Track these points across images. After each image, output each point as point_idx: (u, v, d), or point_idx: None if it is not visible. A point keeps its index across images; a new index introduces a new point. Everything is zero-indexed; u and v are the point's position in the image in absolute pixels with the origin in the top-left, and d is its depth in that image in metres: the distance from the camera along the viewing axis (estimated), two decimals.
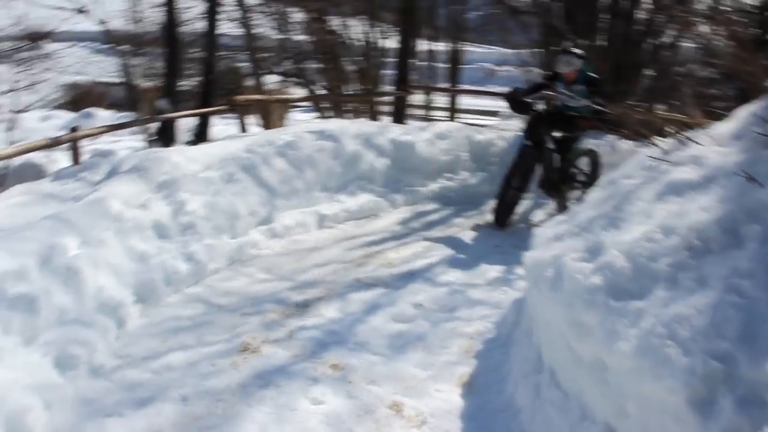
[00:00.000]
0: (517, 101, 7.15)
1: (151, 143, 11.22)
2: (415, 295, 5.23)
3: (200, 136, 11.21)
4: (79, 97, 22.55)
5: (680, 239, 2.95)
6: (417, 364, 4.18)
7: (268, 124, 10.52)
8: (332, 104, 13.57)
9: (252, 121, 12.91)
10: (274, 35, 14.86)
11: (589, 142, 8.02)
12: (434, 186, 8.23)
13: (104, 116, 18.55)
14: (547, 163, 7.25)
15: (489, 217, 7.43)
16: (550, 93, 7.18)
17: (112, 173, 5.45)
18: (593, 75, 7.09)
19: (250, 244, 5.91)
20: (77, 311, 3.96)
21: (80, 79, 24.13)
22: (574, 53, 7.10)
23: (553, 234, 4.33)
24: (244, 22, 13.96)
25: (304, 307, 4.92)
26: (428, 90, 13.89)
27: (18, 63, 17.30)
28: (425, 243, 6.63)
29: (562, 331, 3.30)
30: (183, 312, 4.72)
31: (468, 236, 6.95)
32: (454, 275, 5.74)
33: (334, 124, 7.92)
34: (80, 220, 4.51)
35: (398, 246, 6.49)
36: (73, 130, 6.68)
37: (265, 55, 14.81)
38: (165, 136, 10.82)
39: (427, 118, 13.53)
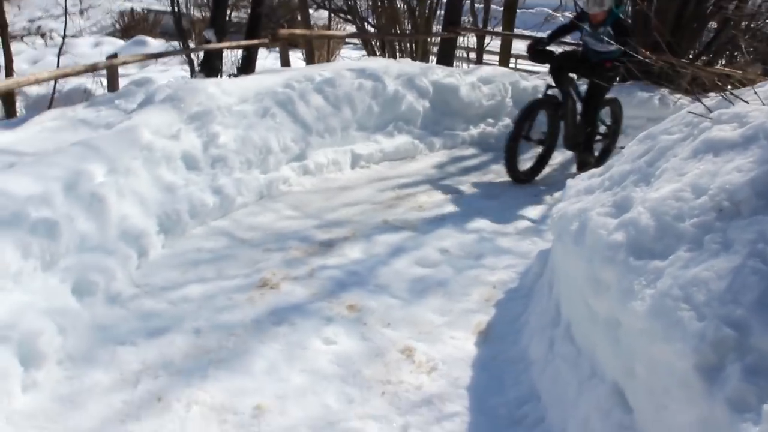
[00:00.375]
0: (537, 51, 6.72)
1: (196, 74, 11.18)
2: (442, 240, 5.17)
3: (245, 68, 11.12)
4: (131, 25, 22.65)
5: (709, 200, 2.81)
6: (435, 309, 4.13)
7: (312, 60, 10.38)
8: (379, 43, 13.32)
9: (300, 56, 12.80)
10: None
11: (636, 95, 7.76)
12: (474, 131, 8.09)
13: (155, 45, 18.59)
14: (569, 115, 6.86)
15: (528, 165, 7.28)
16: (573, 36, 6.95)
17: (146, 102, 5.44)
18: (622, 18, 6.65)
19: (281, 180, 5.88)
20: (99, 239, 3.98)
21: (133, 7, 24.20)
22: None
23: (584, 186, 4.20)
24: None
25: (328, 246, 4.89)
26: (478, 32, 13.52)
27: None
28: (459, 188, 6.53)
29: (581, 286, 3.21)
30: (206, 244, 4.73)
31: (504, 183, 6.82)
32: (484, 223, 5.64)
33: (375, 63, 7.78)
34: (109, 147, 4.51)
35: (431, 190, 6.41)
36: (112, 56, 6.66)
37: None
38: (209, 67, 10.77)
39: (477, 62, 13.24)
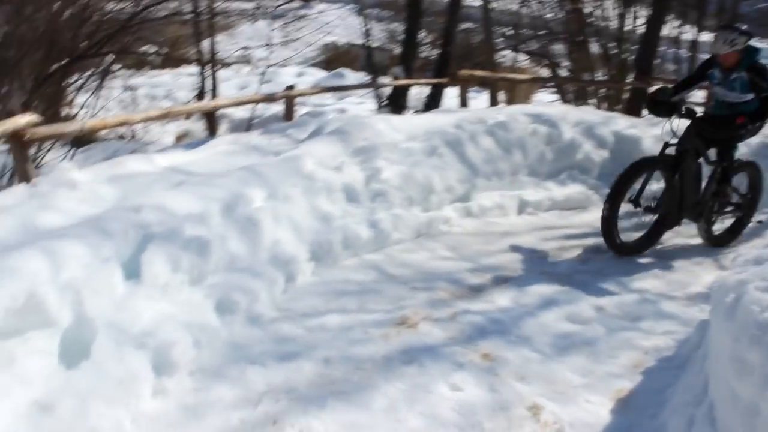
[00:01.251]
0: (658, 102, 5.79)
1: (382, 108, 11.50)
2: (599, 297, 4.92)
3: (430, 106, 11.30)
4: (334, 58, 23.74)
5: None
6: (575, 369, 3.91)
7: (494, 101, 10.37)
8: (573, 89, 13.06)
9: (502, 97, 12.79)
10: (525, 11, 14.56)
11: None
12: (656, 186, 7.67)
13: (353, 77, 19.37)
14: (688, 179, 5.86)
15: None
16: (703, 87, 6.34)
17: (315, 133, 5.66)
18: (760, 62, 5.62)
19: (442, 219, 5.87)
20: (249, 260, 4.16)
21: (337, 40, 25.35)
22: (736, 29, 5.68)
23: (755, 256, 3.85)
24: None
25: (477, 290, 4.80)
26: (670, 82, 12.89)
27: (284, 20, 18.14)
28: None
29: (725, 364, 2.92)
30: (355, 276, 4.80)
31: (682, 244, 6.40)
32: (651, 282, 5.32)
33: (554, 109, 7.65)
34: (272, 173, 4.72)
35: (599, 244, 6.13)
36: (289, 88, 6.99)
37: (512, 31, 14.56)
38: (396, 103, 11.04)
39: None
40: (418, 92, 12.73)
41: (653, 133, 7.76)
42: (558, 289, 5.00)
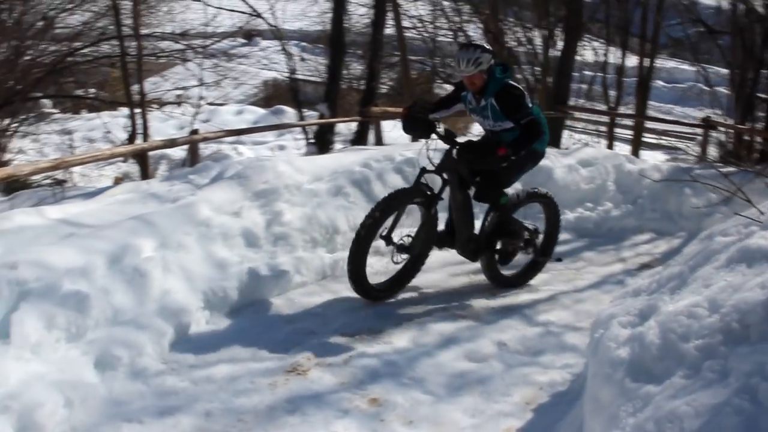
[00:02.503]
0: (414, 119, 5.16)
1: (309, 145, 11.52)
2: (501, 332, 4.93)
3: (357, 141, 11.36)
4: (273, 94, 23.75)
5: (720, 319, 2.54)
6: (466, 409, 3.90)
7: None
8: None
9: None
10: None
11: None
12: (570, 215, 7.77)
13: (292, 114, 19.39)
14: (457, 213, 5.36)
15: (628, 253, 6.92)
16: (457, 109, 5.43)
17: (217, 178, 5.61)
18: (510, 83, 5.04)
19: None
20: (134, 312, 4.08)
21: (277, 76, 25.39)
22: (478, 46, 5.02)
23: (635, 287, 3.93)
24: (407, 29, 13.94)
25: (377, 332, 4.77)
26: (585, 111, 13.11)
27: (224, 57, 18.00)
28: (542, 276, 6.25)
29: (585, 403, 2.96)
30: (250, 323, 4.72)
31: (593, 272, 6.48)
32: (557, 315, 5.36)
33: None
34: (164, 222, 4.66)
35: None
36: (193, 132, 6.97)
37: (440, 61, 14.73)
38: (323, 139, 11.07)
39: (608, 143, 12.74)
40: (348, 128, 12.80)
41: (565, 163, 7.89)
42: (461, 325, 5.01)
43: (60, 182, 13.84)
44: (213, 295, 4.68)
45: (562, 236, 7.45)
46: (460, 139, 5.19)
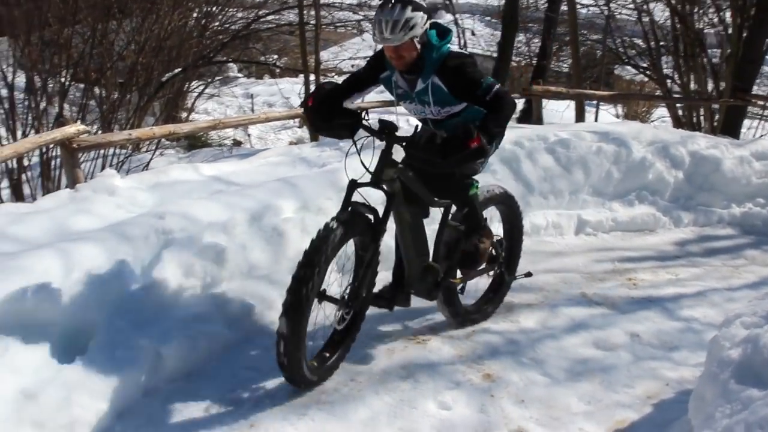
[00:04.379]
0: (323, 109, 3.58)
1: None
2: (636, 323, 4.78)
3: (523, 120, 11.22)
4: None
5: None
6: (582, 395, 3.84)
7: (580, 116, 10.16)
8: (668, 106, 12.60)
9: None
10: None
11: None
12: (737, 210, 7.33)
13: None
14: (406, 239, 3.92)
15: None
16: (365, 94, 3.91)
17: (367, 146, 5.75)
18: (454, 52, 3.60)
19: None
20: (269, 269, 4.32)
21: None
22: (408, 1, 3.35)
23: None
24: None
25: (506, 310, 4.77)
26: None
27: None
28: (694, 270, 5.98)
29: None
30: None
31: (752, 268, 6.12)
32: (703, 311, 5.10)
33: (625, 127, 7.43)
34: (308, 186, 4.87)
35: (657, 267, 5.95)
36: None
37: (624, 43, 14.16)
38: None
39: None
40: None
41: (737, 154, 7.43)
42: (594, 312, 4.90)
43: (237, 143, 14.73)
44: (347, 260, 4.83)
45: (724, 232, 7.09)
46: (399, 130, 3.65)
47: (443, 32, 3.61)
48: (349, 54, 17.68)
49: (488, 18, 22.32)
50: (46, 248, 3.52)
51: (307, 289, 3.25)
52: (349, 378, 3.75)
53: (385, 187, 3.60)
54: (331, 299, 3.60)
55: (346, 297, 3.64)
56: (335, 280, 3.79)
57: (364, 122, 3.60)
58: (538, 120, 9.22)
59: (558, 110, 13.63)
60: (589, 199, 6.65)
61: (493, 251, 4.46)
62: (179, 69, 11.88)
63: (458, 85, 3.51)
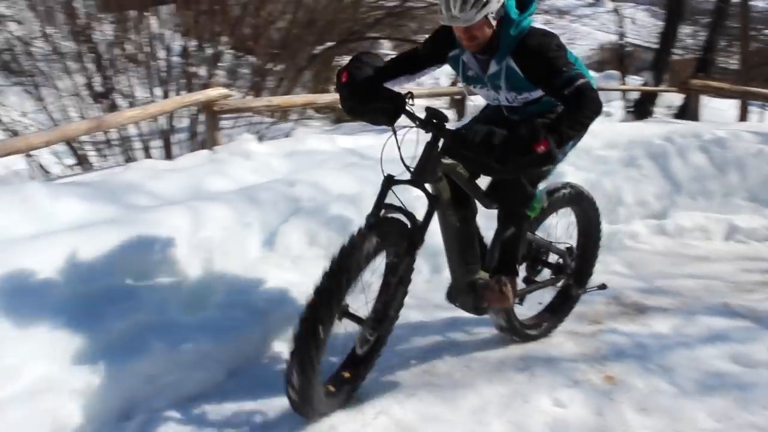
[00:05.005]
0: (360, 89, 3.03)
1: (628, 114, 11.03)
2: None
3: (680, 115, 10.60)
4: (609, 58, 22.91)
5: None
6: (712, 412, 3.55)
7: (743, 116, 9.48)
8: None
9: None
10: None
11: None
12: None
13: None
14: (452, 245, 3.42)
15: None
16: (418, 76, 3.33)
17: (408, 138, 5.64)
18: (536, 29, 2.96)
19: (628, 234, 5.58)
20: None
21: (616, 41, 24.47)
22: None
23: None
24: None
25: (637, 311, 4.53)
26: None
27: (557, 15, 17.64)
28: None
29: None
30: None
31: None
32: None
33: None
34: None
35: None
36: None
37: None
38: (641, 109, 10.53)
39: None
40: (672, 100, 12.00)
41: None
42: (736, 324, 4.54)
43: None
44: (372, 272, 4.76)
45: None
46: (451, 123, 3.07)
47: (524, 2, 2.97)
48: None
49: (652, 7, 21.32)
50: (178, 205, 3.64)
51: (331, 304, 2.73)
52: (464, 364, 3.66)
53: (427, 187, 3.06)
54: (355, 318, 3.02)
55: (373, 316, 3.09)
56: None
57: (408, 107, 3.00)
58: (694, 117, 8.69)
59: (720, 108, 12.84)
60: (743, 204, 6.20)
61: (559, 263, 3.99)
62: (331, 43, 12.05)
63: (535, 69, 2.92)
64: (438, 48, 3.18)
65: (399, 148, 3.00)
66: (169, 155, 7.63)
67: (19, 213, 3.45)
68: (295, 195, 3.98)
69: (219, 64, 8.79)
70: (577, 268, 4.11)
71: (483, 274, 3.51)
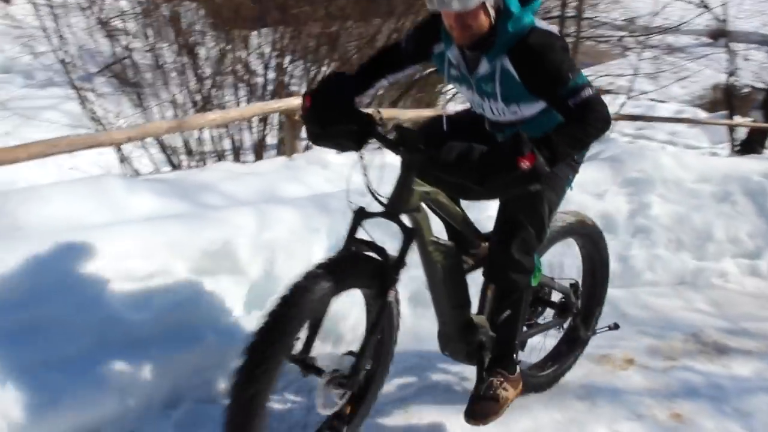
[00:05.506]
0: (324, 109, 2.58)
1: (734, 153, 10.59)
2: None
3: None
4: (721, 99, 22.03)
5: None
6: None
7: None
8: None
9: None
10: None
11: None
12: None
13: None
14: (438, 288, 2.81)
15: None
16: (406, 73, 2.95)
17: (593, 157, 5.50)
18: (539, 29, 2.51)
19: (716, 272, 5.29)
20: None
21: (731, 81, 23.54)
22: None
23: None
24: None
25: (716, 351, 4.27)
26: None
27: (666, 52, 17.14)
28: None
29: None
30: None
31: None
32: None
33: None
34: None
35: None
36: None
37: None
38: (748, 148, 10.09)
39: None
40: None
41: None
42: None
43: None
44: (550, 268, 4.62)
45: None
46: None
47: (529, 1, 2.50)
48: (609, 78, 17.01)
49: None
50: (248, 206, 3.69)
51: (269, 361, 2.23)
52: None
53: (403, 219, 2.60)
54: (318, 371, 2.48)
55: (343, 372, 2.52)
56: None
57: (379, 129, 2.51)
58: None
59: None
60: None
61: (563, 302, 3.49)
62: (432, 68, 11.99)
63: (535, 73, 2.45)
64: (421, 42, 2.75)
65: (366, 175, 2.55)
66: (259, 157, 7.76)
67: (96, 203, 3.59)
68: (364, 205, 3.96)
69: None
70: (583, 307, 3.60)
71: (480, 320, 3.01)
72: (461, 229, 2.92)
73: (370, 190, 2.57)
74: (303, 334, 2.41)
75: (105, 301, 2.99)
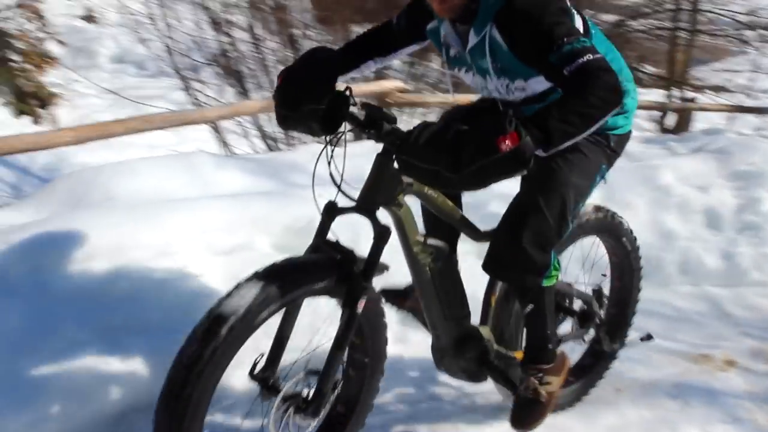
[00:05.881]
0: (291, 96, 2.18)
1: None
2: None
3: None
4: None
5: None
6: None
7: None
8: None
9: None
10: None
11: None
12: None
13: None
14: (434, 292, 2.41)
15: None
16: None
17: (696, 149, 5.23)
18: None
19: None
20: None
21: None
22: None
23: None
24: None
25: None
26: None
27: None
28: None
29: None
30: (680, 302, 4.36)
31: None
32: None
33: None
34: (618, 179, 4.50)
35: None
36: (688, 100, 6.52)
37: None
38: None
39: None
40: None
41: None
42: None
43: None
44: (647, 262, 4.40)
45: None
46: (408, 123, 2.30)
47: None
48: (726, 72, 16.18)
49: None
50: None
51: (195, 384, 1.85)
52: (614, 385, 3.34)
53: (377, 215, 2.23)
54: (274, 390, 2.13)
55: (305, 397, 2.13)
56: None
57: (351, 110, 2.14)
58: None
59: None
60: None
61: (585, 311, 3.03)
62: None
63: (523, 39, 2.03)
64: (413, 20, 2.41)
65: (330, 163, 2.19)
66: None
67: (186, 178, 3.65)
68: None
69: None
70: (609, 317, 3.16)
71: (484, 332, 2.65)
72: (458, 227, 2.53)
73: (334, 181, 2.19)
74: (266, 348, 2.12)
75: (188, 272, 3.03)
